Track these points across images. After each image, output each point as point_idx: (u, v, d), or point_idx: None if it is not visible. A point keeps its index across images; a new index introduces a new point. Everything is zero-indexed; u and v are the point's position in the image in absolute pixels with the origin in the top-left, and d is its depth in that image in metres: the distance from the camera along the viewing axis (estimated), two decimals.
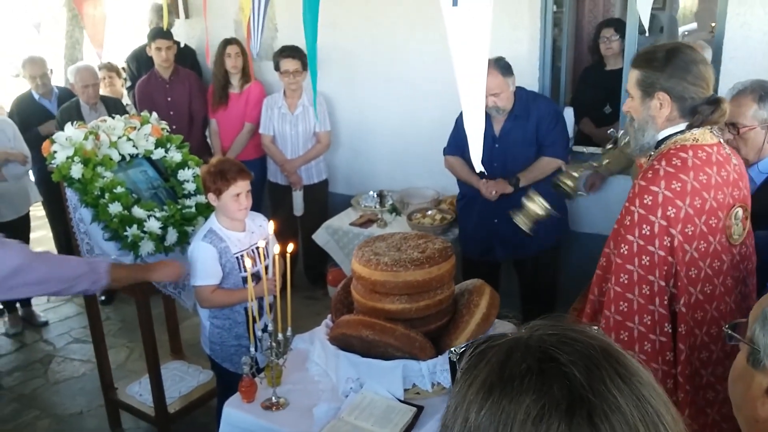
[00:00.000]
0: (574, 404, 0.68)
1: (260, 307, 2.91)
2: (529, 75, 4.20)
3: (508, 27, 4.24)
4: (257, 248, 2.89)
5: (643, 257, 2.05)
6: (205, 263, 2.88)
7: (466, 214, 3.96)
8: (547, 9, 4.20)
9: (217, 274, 2.90)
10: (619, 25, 4.53)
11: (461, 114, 3.73)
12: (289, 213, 4.94)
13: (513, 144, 3.73)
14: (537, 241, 3.53)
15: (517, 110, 3.68)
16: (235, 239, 2.94)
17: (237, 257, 2.93)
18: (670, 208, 2.02)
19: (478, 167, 1.75)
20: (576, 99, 4.84)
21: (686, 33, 6.95)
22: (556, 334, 0.76)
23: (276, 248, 2.67)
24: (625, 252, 2.07)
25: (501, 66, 3.57)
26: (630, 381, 0.72)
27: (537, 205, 2.86)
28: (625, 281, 2.07)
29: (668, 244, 2.04)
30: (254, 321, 2.64)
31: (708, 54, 3.49)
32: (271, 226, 2.94)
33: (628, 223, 2.07)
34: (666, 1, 6.39)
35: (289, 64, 4.58)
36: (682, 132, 2.12)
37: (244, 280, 2.91)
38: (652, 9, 6.26)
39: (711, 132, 2.13)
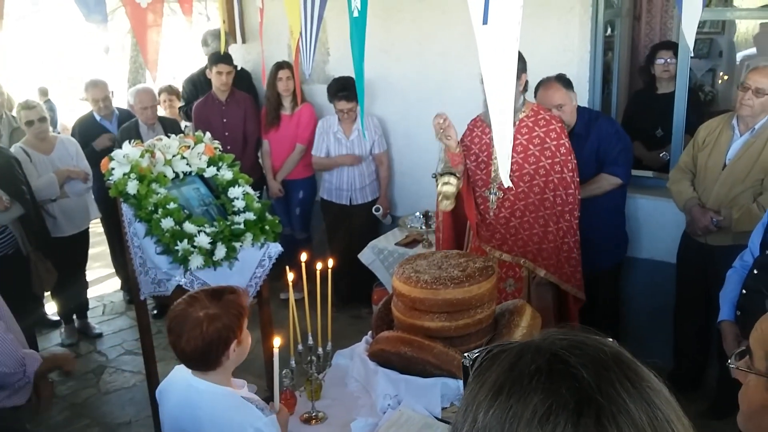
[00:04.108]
0: (582, 405, 0.67)
1: None
2: (579, 98, 4.17)
3: (559, 49, 4.23)
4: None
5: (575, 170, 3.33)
6: None
7: None
8: (597, 33, 4.18)
9: None
10: (677, 48, 4.46)
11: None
12: (341, 229, 5.03)
13: None
14: (594, 259, 3.57)
15: (577, 128, 3.72)
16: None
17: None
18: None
19: (507, 182, 1.78)
20: (627, 122, 4.79)
21: (746, 57, 6.74)
22: (567, 339, 0.75)
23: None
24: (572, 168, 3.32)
25: (563, 80, 3.71)
26: (640, 386, 0.71)
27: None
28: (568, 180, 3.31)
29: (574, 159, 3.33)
30: None
31: None
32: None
33: (564, 150, 3.28)
34: (725, 25, 6.26)
35: (344, 105, 4.75)
36: (525, 97, 3.37)
37: None
38: (711, 33, 6.17)
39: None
